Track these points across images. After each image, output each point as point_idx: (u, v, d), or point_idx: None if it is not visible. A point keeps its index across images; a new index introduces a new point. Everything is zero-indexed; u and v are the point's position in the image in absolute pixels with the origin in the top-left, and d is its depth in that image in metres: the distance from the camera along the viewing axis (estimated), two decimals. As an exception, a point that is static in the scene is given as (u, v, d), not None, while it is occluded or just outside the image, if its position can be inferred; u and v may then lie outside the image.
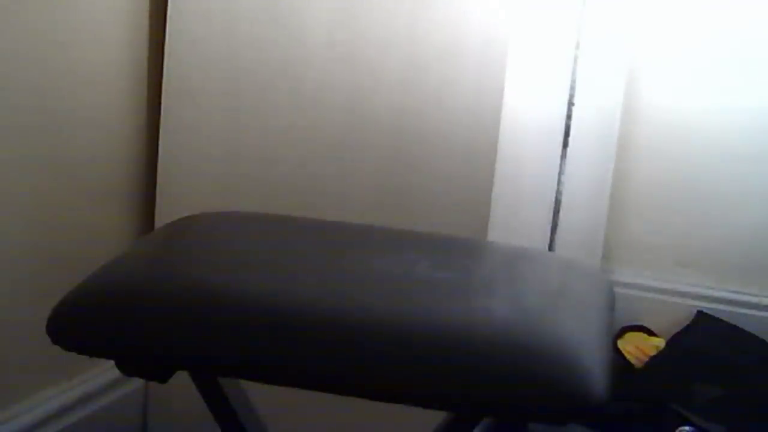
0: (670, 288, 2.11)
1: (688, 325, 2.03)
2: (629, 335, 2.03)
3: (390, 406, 0.82)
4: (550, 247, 1.68)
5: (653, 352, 1.95)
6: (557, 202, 1.67)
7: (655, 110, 2.09)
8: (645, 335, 2.05)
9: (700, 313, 2.05)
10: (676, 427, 1.64)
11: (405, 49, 1.40)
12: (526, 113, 1.48)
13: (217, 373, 0.96)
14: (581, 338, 0.82)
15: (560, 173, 1.66)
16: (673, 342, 1.98)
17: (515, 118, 1.42)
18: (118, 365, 0.87)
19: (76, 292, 0.87)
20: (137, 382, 1.57)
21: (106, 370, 1.50)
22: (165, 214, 1.54)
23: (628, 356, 1.95)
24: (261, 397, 1.07)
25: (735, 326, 1.99)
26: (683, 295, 2.09)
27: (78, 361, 0.98)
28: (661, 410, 1.69)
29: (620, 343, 1.99)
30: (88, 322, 0.84)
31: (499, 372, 0.77)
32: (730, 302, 2.06)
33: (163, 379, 0.87)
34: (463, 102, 1.38)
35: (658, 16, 2.05)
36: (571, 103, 1.65)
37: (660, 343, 2.00)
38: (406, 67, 1.40)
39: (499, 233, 1.42)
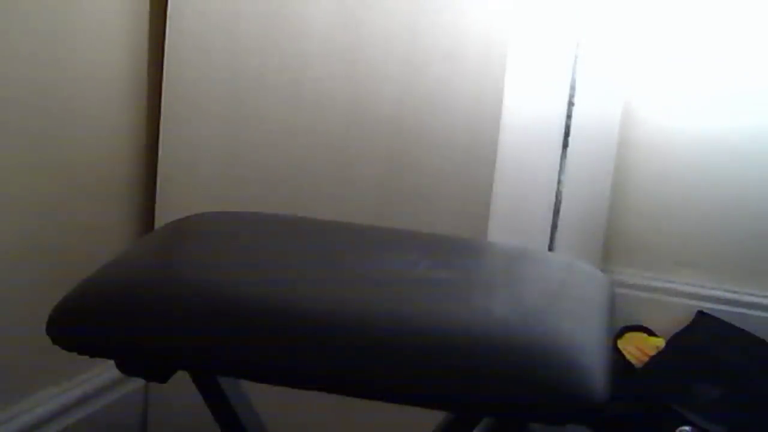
0: (670, 288, 2.11)
1: (688, 325, 2.03)
2: (629, 335, 2.03)
3: (390, 406, 0.82)
4: (550, 247, 1.68)
5: (653, 352, 1.95)
6: (557, 202, 1.67)
7: (655, 111, 2.09)
8: (645, 335, 2.05)
9: (700, 313, 2.05)
10: (676, 427, 1.64)
11: (405, 49, 1.40)
12: (526, 113, 1.48)
13: (217, 373, 0.96)
14: (581, 338, 0.82)
15: (560, 173, 1.66)
16: (673, 342, 1.98)
17: (515, 118, 1.42)
18: (118, 365, 0.87)
19: (76, 292, 0.87)
20: (137, 382, 1.57)
21: (106, 370, 1.50)
22: (165, 214, 1.54)
23: (628, 356, 1.95)
24: (261, 397, 1.07)
25: (735, 326, 1.99)
26: (683, 295, 2.10)
27: (78, 361, 0.98)
28: (661, 410, 1.69)
29: (620, 343, 1.99)
30: (88, 322, 0.84)
31: (498, 372, 0.77)
32: (730, 302, 2.06)
33: (163, 379, 0.87)
34: (463, 102, 1.38)
35: (659, 18, 2.05)
36: (571, 103, 1.64)
37: (660, 343, 2.00)
38: (406, 67, 1.40)
39: (499, 233, 1.42)
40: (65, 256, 1.42)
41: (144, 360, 0.85)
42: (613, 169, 2.10)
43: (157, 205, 1.56)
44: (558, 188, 1.67)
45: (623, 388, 1.75)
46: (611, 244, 2.14)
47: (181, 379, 0.91)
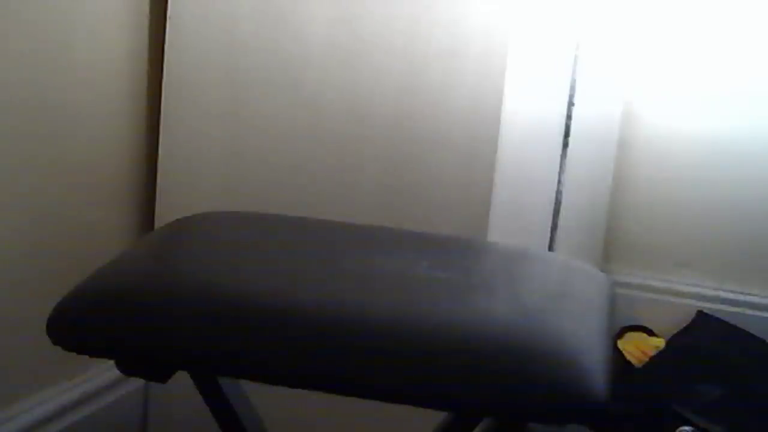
0: (670, 288, 2.11)
1: (688, 325, 2.03)
2: (629, 335, 2.03)
3: (390, 406, 0.82)
4: (550, 247, 1.68)
5: (653, 352, 1.95)
6: (557, 202, 1.67)
7: (655, 111, 2.09)
8: (645, 335, 2.05)
9: (700, 313, 2.05)
10: (676, 427, 1.64)
11: (405, 49, 1.40)
12: (526, 113, 1.48)
13: (217, 373, 0.96)
14: (581, 338, 0.82)
15: (560, 173, 1.66)
16: (673, 342, 1.98)
17: (515, 118, 1.42)
18: (118, 365, 0.87)
19: (76, 292, 0.87)
20: (137, 382, 1.57)
21: (106, 370, 1.50)
22: (165, 214, 1.54)
23: (628, 356, 1.95)
24: (261, 397, 1.07)
25: (735, 326, 1.99)
26: (683, 295, 2.09)
27: (78, 361, 0.98)
28: (661, 410, 1.69)
29: (620, 343, 1.99)
30: (88, 322, 0.84)
31: (499, 372, 0.77)
32: (730, 302, 2.06)
33: (163, 379, 0.87)
34: (463, 102, 1.38)
35: (659, 18, 2.05)
36: (571, 103, 1.64)
37: (660, 343, 2.00)
38: (407, 67, 1.40)
39: (499, 233, 1.42)
40: (65, 256, 1.42)
41: (144, 360, 0.85)
42: (613, 169, 2.09)
43: (157, 205, 1.56)
44: (558, 188, 1.67)
45: (623, 388, 1.75)
46: (611, 244, 2.14)
47: (181, 379, 0.91)
